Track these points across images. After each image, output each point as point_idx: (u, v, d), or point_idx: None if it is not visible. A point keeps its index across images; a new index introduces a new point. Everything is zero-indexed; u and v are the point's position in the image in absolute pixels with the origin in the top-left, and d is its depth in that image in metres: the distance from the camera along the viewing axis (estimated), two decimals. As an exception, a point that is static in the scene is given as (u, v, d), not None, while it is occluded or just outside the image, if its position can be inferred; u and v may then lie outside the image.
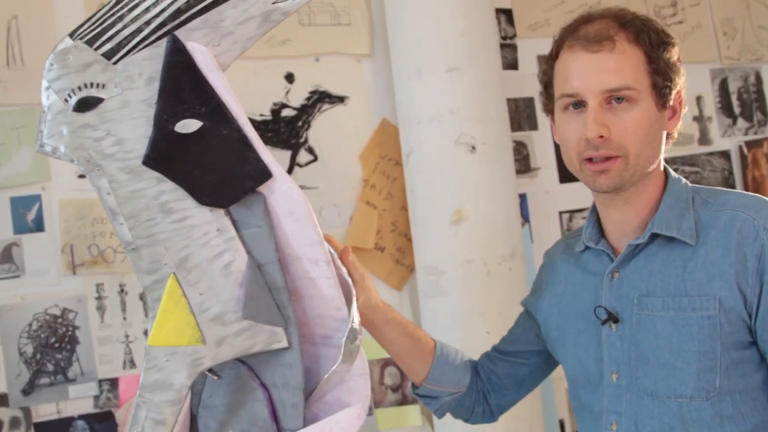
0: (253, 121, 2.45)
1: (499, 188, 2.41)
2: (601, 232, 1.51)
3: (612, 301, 1.45)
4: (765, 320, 1.33)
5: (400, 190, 2.63)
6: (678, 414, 1.38)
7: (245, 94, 2.48)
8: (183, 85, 1.20)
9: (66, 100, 1.22)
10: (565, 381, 2.78)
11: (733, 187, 3.11)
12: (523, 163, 2.85)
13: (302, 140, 2.60)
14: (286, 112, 2.60)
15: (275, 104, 2.59)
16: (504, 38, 2.84)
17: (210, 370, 1.34)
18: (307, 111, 2.61)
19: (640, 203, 1.43)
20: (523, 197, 2.82)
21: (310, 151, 2.61)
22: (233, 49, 1.25)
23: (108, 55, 1.21)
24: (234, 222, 1.26)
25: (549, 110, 1.50)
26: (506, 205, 2.42)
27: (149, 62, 1.22)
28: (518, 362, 1.73)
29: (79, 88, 1.22)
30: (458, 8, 2.39)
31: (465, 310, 2.38)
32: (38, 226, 2.37)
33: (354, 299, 1.32)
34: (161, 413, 1.26)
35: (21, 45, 2.36)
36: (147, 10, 1.22)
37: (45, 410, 2.35)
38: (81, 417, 2.36)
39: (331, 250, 1.34)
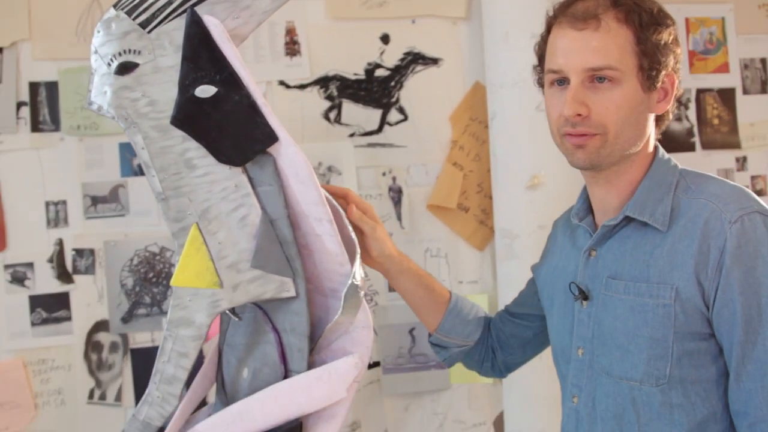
0: (346, 80, 2.65)
1: (579, 156, 2.44)
2: (589, 209, 1.57)
3: (585, 279, 1.50)
4: (721, 314, 1.33)
5: (487, 152, 2.70)
6: (629, 396, 1.41)
7: (341, 53, 2.66)
8: (200, 54, 1.34)
9: (109, 64, 1.39)
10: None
11: None
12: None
13: (393, 100, 2.71)
14: (379, 72, 2.71)
15: (369, 64, 2.71)
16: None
17: (233, 312, 1.51)
18: (400, 71, 2.71)
19: (620, 184, 1.46)
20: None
21: (401, 110, 2.72)
22: (250, 21, 1.38)
23: (143, 25, 1.37)
24: (250, 179, 1.40)
25: (541, 84, 1.55)
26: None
27: (177, 32, 1.37)
28: (523, 324, 1.82)
29: (120, 54, 1.38)
30: (545, -28, 2.42)
31: (535, 275, 2.44)
32: (142, 170, 2.61)
33: (357, 257, 1.43)
34: (185, 346, 1.43)
35: (135, 1, 2.60)
36: (177, -16, 1.36)
37: (141, 338, 2.61)
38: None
39: (340, 209, 1.46)
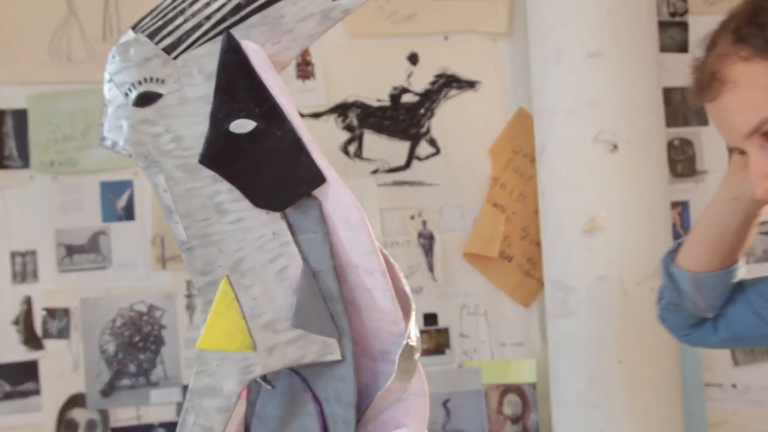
0: (368, 107, 2.76)
1: (645, 195, 2.55)
2: None
3: None
4: None
5: (534, 191, 2.80)
6: None
7: (362, 76, 2.78)
8: (238, 84, 1.44)
9: (126, 94, 1.48)
10: (726, 428, 2.91)
11: None
12: (686, 165, 2.97)
13: (423, 130, 2.83)
14: (406, 98, 2.83)
15: (395, 88, 2.83)
16: (672, 14, 2.96)
17: (265, 379, 1.59)
18: (431, 97, 2.83)
19: None
20: (684, 205, 2.95)
21: (432, 142, 2.83)
22: (293, 47, 1.47)
23: (168, 50, 1.46)
24: (290, 226, 1.49)
25: None
26: (652, 215, 2.56)
27: (208, 58, 1.46)
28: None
29: (140, 83, 1.47)
30: (603, -19, 2.56)
31: (595, 335, 2.54)
32: (128, 214, 2.71)
33: (413, 314, 1.52)
34: (210, 420, 1.51)
35: (120, 17, 2.71)
36: (207, 4, 1.46)
37: (124, 414, 2.68)
38: (162, 425, 2.68)
39: (391, 260, 1.56)
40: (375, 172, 2.80)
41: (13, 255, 2.68)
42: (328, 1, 1.48)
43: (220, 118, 1.45)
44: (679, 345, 2.66)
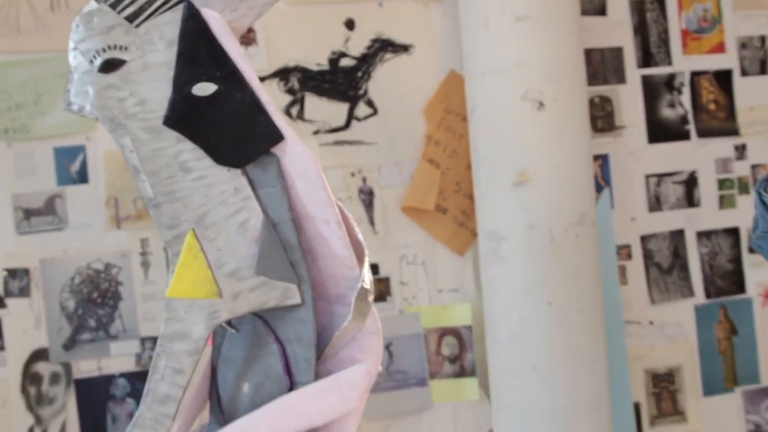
0: (308, 71, 2.80)
1: (569, 149, 2.63)
2: None
3: None
4: None
5: (466, 147, 2.86)
6: None
7: (302, 42, 2.81)
8: (199, 50, 1.48)
9: (91, 61, 1.50)
10: (644, 361, 3.02)
11: None
12: (606, 121, 3.05)
13: (361, 92, 2.87)
14: (344, 62, 2.86)
15: (333, 53, 2.86)
16: (591, -20, 3.05)
17: (229, 324, 1.64)
18: (367, 61, 2.88)
19: None
20: (604, 158, 3.04)
21: (370, 104, 2.88)
22: (249, 14, 1.52)
23: (130, 18, 1.49)
24: (250, 182, 1.53)
25: None
26: (576, 168, 2.63)
27: (169, 26, 1.49)
28: None
29: (104, 50, 1.50)
30: (530, -51, 2.61)
31: (525, 280, 2.62)
32: (82, 177, 2.72)
33: (366, 259, 1.59)
34: (180, 362, 1.55)
35: (68, -12, 2.71)
36: (168, -25, 1.50)
37: (86, 366, 2.71)
38: (122, 375, 2.72)
39: (346, 211, 1.61)
40: (316, 132, 2.85)
41: (-23, 218, 2.69)
42: (282, -30, 1.53)
43: (182, 82, 1.49)
44: (602, 286, 2.77)
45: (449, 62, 2.91)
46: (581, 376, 2.62)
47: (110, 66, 1.50)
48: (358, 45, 2.88)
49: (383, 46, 2.89)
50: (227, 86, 1.49)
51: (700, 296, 3.14)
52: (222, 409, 1.68)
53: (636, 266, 3.09)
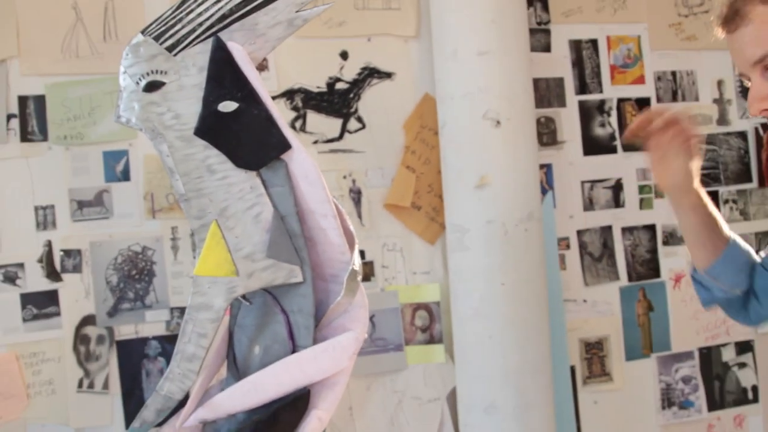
0: (310, 92, 2.80)
1: (521, 159, 2.64)
2: None
3: None
4: None
5: (436, 156, 2.87)
6: None
7: (305, 69, 2.82)
8: (224, 75, 1.49)
9: (137, 83, 1.51)
10: (578, 332, 3.03)
11: (748, 165, 3.31)
12: (550, 137, 3.07)
13: (353, 110, 2.88)
14: (339, 85, 2.87)
15: (330, 78, 2.87)
16: (539, 24, 3.04)
17: (244, 297, 1.65)
18: (358, 85, 2.88)
19: None
20: (548, 167, 3.06)
21: (359, 120, 2.89)
22: (265, 47, 1.53)
23: (170, 49, 1.50)
24: (263, 182, 1.54)
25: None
26: (526, 174, 2.65)
27: (200, 55, 1.51)
28: None
29: (148, 74, 1.51)
30: (491, -3, 2.63)
31: (484, 264, 2.63)
32: (125, 176, 2.72)
33: (356, 246, 1.60)
34: (204, 328, 1.56)
35: (116, 22, 2.69)
36: (200, 14, 1.51)
37: (125, 330, 2.71)
38: (155, 338, 2.72)
39: (340, 207, 1.63)
40: (315, 142, 2.86)
41: (37, 209, 2.68)
42: (292, 12, 1.53)
43: (210, 100, 1.50)
44: (546, 270, 2.79)
45: (424, 87, 2.92)
46: (529, 344, 2.63)
47: (153, 87, 1.51)
48: (350, 72, 2.89)
49: (371, 73, 2.90)
50: (246, 104, 1.50)
51: (624, 280, 3.16)
52: (237, 367, 1.69)
53: (573, 255, 3.11)
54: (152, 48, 1.52)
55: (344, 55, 2.88)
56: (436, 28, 2.75)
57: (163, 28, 1.52)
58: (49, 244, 2.68)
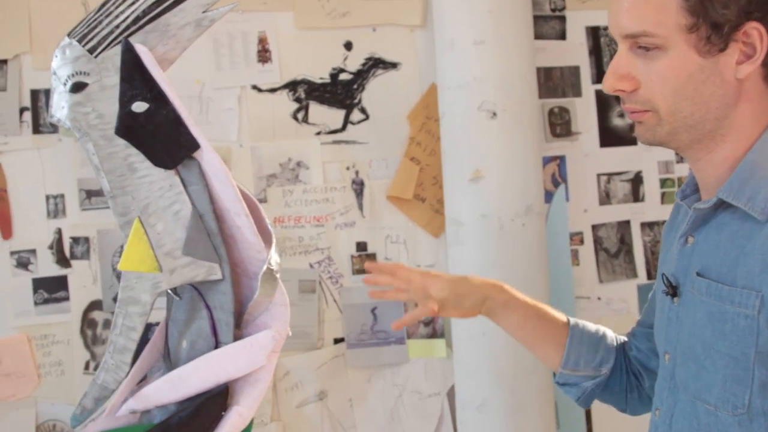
0: (313, 84, 2.84)
1: (518, 151, 2.61)
2: (698, 185, 1.27)
3: (679, 270, 1.23)
4: None
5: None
6: (705, 422, 1.15)
7: (308, 60, 2.86)
8: (134, 76, 1.54)
9: (64, 84, 1.59)
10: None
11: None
12: (564, 128, 3.02)
13: (356, 101, 2.91)
14: (343, 76, 2.90)
15: (334, 69, 2.90)
16: (553, 10, 3.00)
17: (174, 292, 1.72)
18: (362, 75, 2.91)
19: (714, 160, 1.18)
20: (562, 159, 3.01)
21: (363, 110, 2.91)
22: (177, 48, 1.58)
23: (91, 50, 1.57)
24: (182, 180, 1.60)
25: None
26: (524, 167, 2.62)
27: (117, 57, 1.57)
28: None
29: (73, 75, 1.58)
30: (487, -15, 2.60)
31: (479, 259, 2.62)
32: (130, 166, 2.83)
33: (273, 244, 1.64)
34: (133, 322, 1.63)
35: (122, 15, 2.81)
36: (117, 16, 1.57)
37: (129, 316, 2.84)
38: (157, 323, 2.82)
39: (257, 203, 1.67)
40: (318, 133, 2.89)
41: (48, 197, 2.81)
42: (199, 13, 1.58)
43: (125, 100, 1.56)
44: (549, 268, 2.75)
45: (430, 77, 2.92)
46: (522, 345, 2.60)
47: (77, 87, 1.58)
48: (354, 62, 2.92)
49: (375, 64, 2.91)
50: (156, 105, 1.55)
51: (642, 277, 3.10)
52: (170, 359, 1.76)
53: (587, 250, 3.06)
54: (76, 50, 1.58)
55: (348, 46, 2.91)
56: (437, 18, 2.75)
57: (86, 30, 1.59)
58: (59, 232, 2.81)
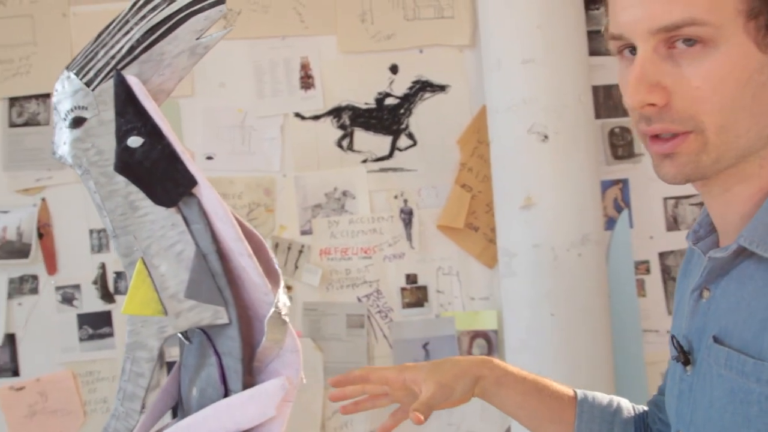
0: (357, 109, 2.75)
1: (572, 176, 2.46)
2: (714, 225, 1.00)
3: (692, 331, 0.98)
4: None
5: (494, 174, 2.74)
6: None
7: (353, 85, 2.77)
8: (128, 109, 1.47)
9: (64, 119, 1.54)
10: (660, 365, 2.80)
11: None
12: (626, 149, 2.84)
13: (403, 126, 2.80)
14: (389, 101, 2.80)
15: (379, 93, 2.81)
16: (614, 25, 2.83)
17: (185, 336, 1.63)
18: (409, 99, 2.80)
19: (743, 194, 0.92)
20: (625, 182, 2.83)
21: (410, 136, 2.80)
22: (173, 77, 1.49)
23: (88, 84, 1.50)
24: (185, 219, 1.52)
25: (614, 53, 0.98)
26: (579, 193, 2.47)
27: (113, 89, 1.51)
28: None
29: (72, 110, 1.51)
30: (536, 0, 2.46)
31: (532, 292, 2.48)
32: (172, 199, 2.79)
33: (281, 285, 1.53)
34: (141, 367, 1.54)
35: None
36: (112, 47, 1.50)
37: (175, 352, 2.79)
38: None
39: (262, 240, 1.57)
40: (364, 161, 2.80)
41: (91, 232, 2.79)
42: (192, 40, 1.49)
43: (120, 135, 1.49)
44: (612, 300, 2.58)
45: (481, 99, 2.79)
46: (583, 383, 2.40)
47: (77, 123, 1.51)
48: (400, 86, 2.82)
49: (423, 87, 2.81)
50: (151, 139, 1.47)
51: (716, 308, 2.87)
52: (183, 406, 1.68)
53: (654, 280, 2.87)
54: (74, 83, 1.51)
55: (394, 69, 2.80)
56: (483, 37, 2.63)
57: (83, 63, 1.52)
58: (103, 267, 2.78)
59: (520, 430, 2.53)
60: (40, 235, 2.75)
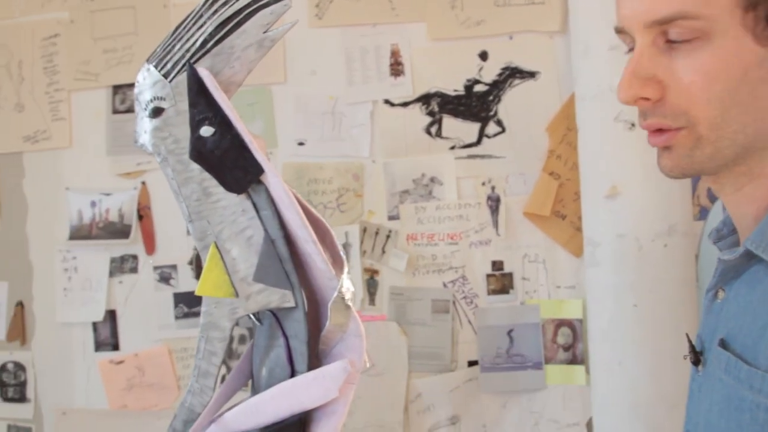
0: (446, 96, 2.78)
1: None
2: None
3: (705, 332, 0.98)
4: None
5: (584, 161, 2.71)
6: None
7: (442, 72, 2.80)
8: (200, 101, 1.55)
9: (145, 109, 1.63)
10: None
11: None
12: (721, 138, 2.76)
13: (492, 113, 2.80)
14: (478, 88, 2.81)
15: (468, 80, 2.82)
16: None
17: (257, 317, 1.71)
18: (498, 86, 2.80)
19: (754, 194, 0.90)
20: (718, 172, 2.75)
21: (499, 123, 2.80)
22: (242, 70, 1.56)
23: (166, 75, 1.58)
24: (254, 205, 1.59)
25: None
26: (666, 182, 2.38)
27: (188, 81, 1.58)
28: None
29: (151, 101, 1.60)
30: (625, -15, 2.41)
31: (615, 282, 2.45)
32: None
33: (345, 272, 1.58)
34: (214, 347, 1.63)
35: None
36: (188, 41, 1.58)
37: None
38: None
39: (328, 227, 1.62)
40: (452, 148, 2.82)
41: (188, 215, 2.91)
42: (260, 34, 1.55)
43: (194, 125, 1.57)
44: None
45: (571, 86, 2.76)
46: (664, 376, 2.41)
47: (156, 113, 1.60)
48: (490, 73, 2.82)
49: (512, 74, 2.80)
50: (221, 129, 1.54)
51: (818, 303, 2.76)
52: (254, 385, 1.75)
53: (750, 272, 2.77)
54: (153, 75, 1.60)
55: (483, 56, 2.81)
56: (572, 23, 2.60)
57: (162, 55, 1.60)
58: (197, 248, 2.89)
59: (602, 420, 2.53)
60: (140, 217, 2.89)
